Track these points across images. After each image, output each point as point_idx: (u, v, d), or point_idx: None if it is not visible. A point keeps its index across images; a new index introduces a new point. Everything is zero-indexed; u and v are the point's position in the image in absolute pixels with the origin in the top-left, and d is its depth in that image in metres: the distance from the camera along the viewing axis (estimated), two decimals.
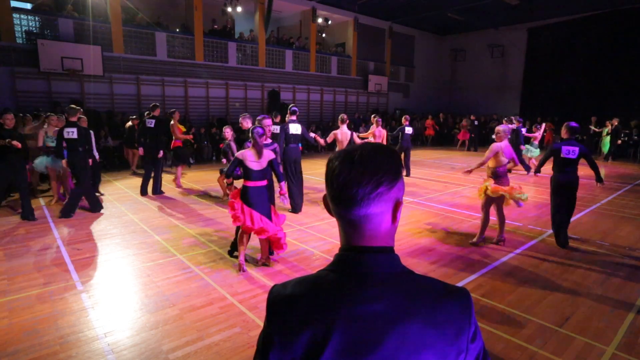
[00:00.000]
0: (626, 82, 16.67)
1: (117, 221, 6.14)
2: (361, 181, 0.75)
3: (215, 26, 15.27)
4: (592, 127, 14.83)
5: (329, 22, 18.26)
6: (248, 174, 4.18)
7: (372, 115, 10.16)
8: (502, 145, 4.97)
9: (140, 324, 3.23)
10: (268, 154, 4.28)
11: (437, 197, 8.09)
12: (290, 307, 0.79)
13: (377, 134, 9.43)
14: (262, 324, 3.21)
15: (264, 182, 4.28)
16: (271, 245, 4.49)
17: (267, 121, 5.22)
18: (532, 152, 11.22)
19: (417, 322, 0.74)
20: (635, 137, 15.34)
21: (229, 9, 14.90)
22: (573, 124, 5.14)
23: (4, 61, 10.74)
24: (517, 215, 6.71)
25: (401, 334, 0.73)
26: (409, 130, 10.29)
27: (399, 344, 0.73)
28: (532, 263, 4.66)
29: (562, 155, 5.05)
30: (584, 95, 17.78)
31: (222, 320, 3.30)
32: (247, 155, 4.18)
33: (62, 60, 11.17)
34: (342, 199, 0.78)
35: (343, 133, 7.56)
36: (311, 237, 5.49)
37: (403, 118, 10.53)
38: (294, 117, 6.80)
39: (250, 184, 4.20)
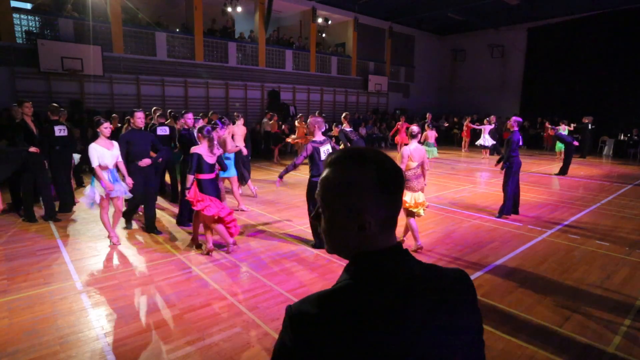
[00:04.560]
0: (626, 82, 16.66)
1: None
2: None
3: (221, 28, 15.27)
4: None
5: (329, 22, 18.26)
6: (203, 167, 4.61)
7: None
8: (410, 148, 4.79)
9: (140, 324, 3.23)
10: (218, 150, 4.80)
11: (436, 197, 8.09)
12: (322, 326, 0.73)
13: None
14: (262, 324, 3.21)
15: (214, 174, 4.76)
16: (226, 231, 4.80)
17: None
18: (431, 152, 11.38)
19: (448, 311, 0.81)
20: (636, 137, 15.36)
21: (229, 9, 14.90)
22: (520, 119, 6.68)
23: (4, 61, 10.73)
24: (518, 215, 6.71)
25: (438, 328, 0.78)
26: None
27: (447, 334, 0.79)
28: (532, 263, 4.66)
29: (519, 143, 6.52)
30: (583, 95, 17.77)
31: (222, 320, 3.30)
32: (202, 150, 4.62)
33: (62, 60, 11.17)
34: (398, 184, 0.83)
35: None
36: (311, 237, 5.48)
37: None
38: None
39: (205, 176, 4.62)
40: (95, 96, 12.20)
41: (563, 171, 11.01)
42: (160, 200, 7.48)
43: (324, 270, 4.37)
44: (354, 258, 0.84)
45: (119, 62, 12.60)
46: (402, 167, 4.70)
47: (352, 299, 0.76)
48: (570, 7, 16.99)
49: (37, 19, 11.68)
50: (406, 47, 22.20)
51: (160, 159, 6.24)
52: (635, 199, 8.17)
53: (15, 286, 3.88)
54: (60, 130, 6.37)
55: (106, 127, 4.92)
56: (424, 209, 4.93)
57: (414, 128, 4.89)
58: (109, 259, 4.66)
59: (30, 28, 11.53)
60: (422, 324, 0.77)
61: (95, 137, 6.70)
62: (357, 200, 0.80)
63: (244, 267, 4.45)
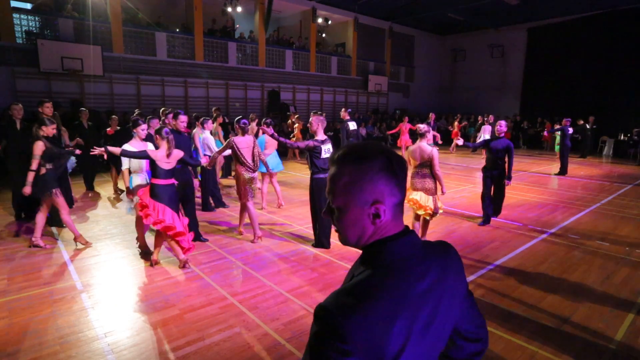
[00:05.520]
0: (626, 82, 16.66)
1: (117, 221, 6.14)
2: None
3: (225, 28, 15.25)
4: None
5: (329, 22, 18.26)
6: (157, 172, 4.24)
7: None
8: (410, 148, 4.81)
9: (140, 324, 3.23)
10: (177, 153, 4.40)
11: None
12: (365, 314, 0.76)
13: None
14: (262, 324, 3.21)
15: (173, 180, 4.39)
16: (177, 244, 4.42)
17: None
18: None
19: (451, 275, 0.92)
20: (636, 137, 15.36)
21: (229, 9, 14.90)
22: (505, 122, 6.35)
23: (4, 61, 10.73)
24: (518, 215, 6.71)
25: (448, 290, 0.90)
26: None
27: (449, 297, 0.90)
28: (532, 263, 4.66)
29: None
30: (583, 95, 17.77)
31: (222, 320, 3.30)
32: (159, 154, 4.24)
33: (62, 60, 11.16)
34: (405, 171, 0.90)
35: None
36: (311, 237, 5.48)
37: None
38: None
39: (160, 182, 4.25)
40: (95, 96, 12.20)
41: (562, 171, 11.02)
42: None
43: (324, 270, 4.37)
44: (371, 247, 0.88)
45: (119, 62, 12.60)
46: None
47: (383, 284, 0.81)
48: (570, 7, 16.98)
49: (37, 19, 11.68)
50: (406, 47, 22.20)
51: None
52: (635, 199, 8.17)
53: (15, 286, 3.88)
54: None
55: (143, 129, 4.74)
56: (428, 215, 4.79)
57: (422, 126, 4.82)
58: (109, 259, 4.65)
59: (30, 28, 11.53)
60: (440, 294, 0.87)
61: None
62: (371, 191, 0.85)
63: (243, 267, 4.45)
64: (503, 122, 6.12)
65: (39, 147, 4.60)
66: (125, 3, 12.63)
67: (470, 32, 21.78)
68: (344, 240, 0.92)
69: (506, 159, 6.06)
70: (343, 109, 8.74)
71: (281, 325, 3.24)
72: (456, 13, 18.01)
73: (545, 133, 12.64)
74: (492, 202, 6.29)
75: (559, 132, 11.45)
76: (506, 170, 6.09)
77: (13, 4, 11.12)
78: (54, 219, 5.90)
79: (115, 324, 3.23)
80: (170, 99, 13.79)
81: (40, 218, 4.86)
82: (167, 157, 4.26)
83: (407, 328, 0.79)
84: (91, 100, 12.06)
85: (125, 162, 4.65)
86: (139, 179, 4.75)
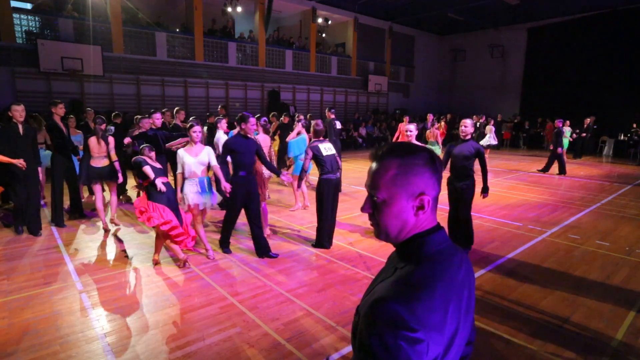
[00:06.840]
0: (626, 82, 16.66)
1: (117, 222, 6.13)
2: None
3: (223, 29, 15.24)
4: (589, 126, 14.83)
5: (329, 22, 18.26)
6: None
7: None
8: None
9: (140, 324, 3.23)
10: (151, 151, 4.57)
11: None
12: (428, 304, 0.81)
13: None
14: (262, 324, 3.21)
15: (166, 179, 4.45)
16: (174, 243, 4.40)
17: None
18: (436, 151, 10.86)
19: (472, 272, 1.00)
20: (636, 138, 15.36)
21: (229, 9, 14.90)
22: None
23: (4, 61, 10.74)
24: (517, 215, 6.71)
25: (473, 282, 0.99)
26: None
27: (474, 288, 0.99)
28: (532, 263, 4.66)
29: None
30: (583, 95, 17.76)
31: (222, 320, 3.30)
32: (146, 158, 4.40)
33: (62, 60, 11.17)
34: (441, 166, 0.96)
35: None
36: (312, 236, 5.48)
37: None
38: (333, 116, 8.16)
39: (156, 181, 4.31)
40: (95, 96, 12.20)
41: (562, 171, 11.07)
42: None
43: (324, 270, 4.38)
44: (410, 241, 0.93)
45: (119, 62, 12.60)
46: None
47: (434, 273, 0.87)
48: (571, 7, 16.99)
49: (37, 19, 11.68)
50: (406, 47, 22.20)
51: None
52: (635, 199, 8.17)
53: (15, 286, 3.88)
54: None
55: (195, 132, 4.47)
56: None
57: (409, 126, 4.85)
58: (109, 259, 4.66)
59: (30, 28, 11.53)
60: (470, 281, 0.96)
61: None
62: (417, 183, 0.91)
63: (243, 267, 4.45)
64: (469, 122, 4.74)
65: (112, 141, 5.55)
66: (125, 3, 12.63)
67: (470, 32, 21.77)
68: (384, 234, 0.95)
69: (475, 168, 4.88)
70: (327, 109, 8.72)
71: (281, 325, 3.24)
72: (456, 13, 18.01)
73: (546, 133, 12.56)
74: (459, 226, 4.83)
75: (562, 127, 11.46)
76: (475, 180, 4.84)
77: (13, 4, 11.12)
78: (55, 218, 5.91)
79: (115, 324, 3.23)
80: (170, 99, 13.79)
81: (98, 202, 5.59)
82: (151, 159, 4.44)
83: (457, 310, 0.87)
84: (91, 101, 12.06)
85: (179, 167, 4.50)
86: (189, 185, 4.51)
